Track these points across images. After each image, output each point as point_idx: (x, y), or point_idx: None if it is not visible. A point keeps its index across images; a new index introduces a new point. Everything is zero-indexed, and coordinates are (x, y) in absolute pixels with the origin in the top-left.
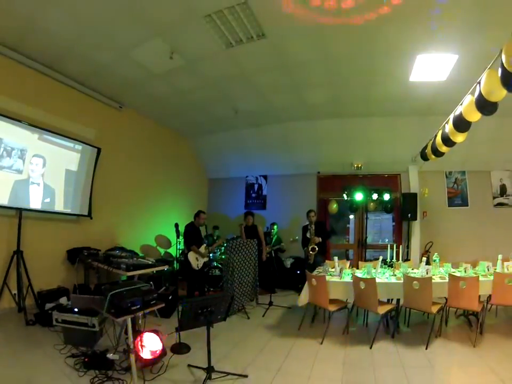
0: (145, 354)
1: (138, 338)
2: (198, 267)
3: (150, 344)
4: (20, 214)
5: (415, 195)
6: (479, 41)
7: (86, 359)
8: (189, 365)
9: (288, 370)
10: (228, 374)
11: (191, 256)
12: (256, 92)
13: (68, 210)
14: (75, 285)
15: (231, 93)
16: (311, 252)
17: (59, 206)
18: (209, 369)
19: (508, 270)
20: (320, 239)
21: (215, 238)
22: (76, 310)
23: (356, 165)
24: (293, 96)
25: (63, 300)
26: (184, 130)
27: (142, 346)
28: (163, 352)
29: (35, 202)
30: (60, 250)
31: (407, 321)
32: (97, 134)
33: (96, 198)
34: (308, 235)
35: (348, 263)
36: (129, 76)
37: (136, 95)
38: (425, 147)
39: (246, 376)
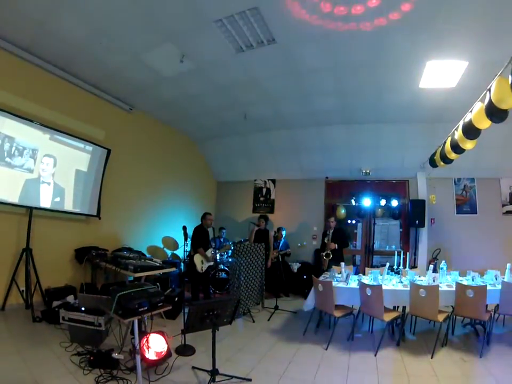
0: (151, 355)
1: (144, 339)
2: (202, 270)
3: (156, 345)
4: (30, 212)
5: (423, 202)
6: (489, 49)
7: (91, 358)
8: (193, 367)
9: (292, 375)
10: (232, 377)
11: (197, 258)
12: (266, 98)
13: (77, 210)
14: (82, 284)
15: (240, 97)
16: (325, 258)
17: (68, 206)
18: (214, 372)
19: None
20: (336, 246)
21: (221, 240)
22: (82, 309)
23: (364, 171)
24: (302, 103)
25: (70, 298)
26: (193, 134)
27: (147, 347)
28: (168, 354)
29: (45, 201)
30: (68, 249)
31: (413, 329)
32: (107, 135)
33: (105, 199)
34: (325, 240)
35: (352, 269)
36: (140, 79)
37: (147, 98)
38: (434, 154)
39: (249, 380)
